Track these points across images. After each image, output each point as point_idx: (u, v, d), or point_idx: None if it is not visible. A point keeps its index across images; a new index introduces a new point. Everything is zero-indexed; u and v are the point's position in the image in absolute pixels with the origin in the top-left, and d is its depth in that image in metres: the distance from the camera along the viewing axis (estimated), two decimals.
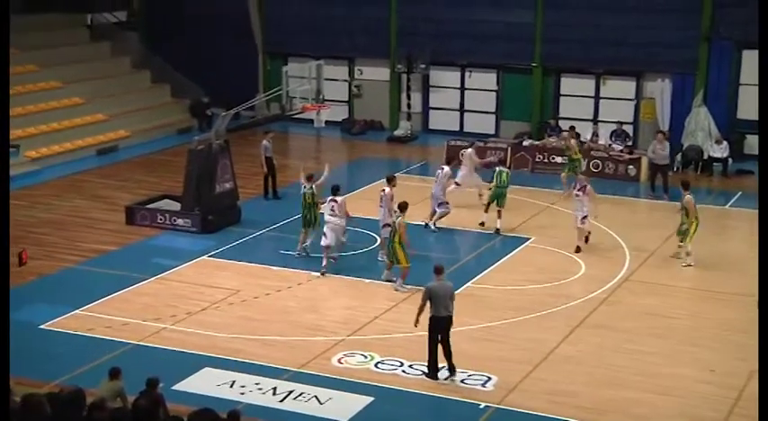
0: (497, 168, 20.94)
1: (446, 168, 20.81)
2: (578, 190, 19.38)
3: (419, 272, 16.52)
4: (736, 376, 13.83)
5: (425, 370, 13.85)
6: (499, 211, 20.48)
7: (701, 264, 18.64)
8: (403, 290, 16.88)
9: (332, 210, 18.07)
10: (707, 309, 16.72)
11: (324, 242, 17.97)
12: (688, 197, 18.61)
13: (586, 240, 19.44)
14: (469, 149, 22.72)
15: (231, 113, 21.34)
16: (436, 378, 13.70)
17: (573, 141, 24.17)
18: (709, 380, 13.81)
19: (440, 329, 13.58)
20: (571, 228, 19.58)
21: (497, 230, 20.39)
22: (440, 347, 13.70)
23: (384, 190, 18.39)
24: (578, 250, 19.10)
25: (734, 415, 12.79)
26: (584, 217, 19.19)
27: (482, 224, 20.65)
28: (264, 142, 23.23)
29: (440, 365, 13.77)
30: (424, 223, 20.42)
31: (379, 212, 18.41)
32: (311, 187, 18.73)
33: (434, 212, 20.54)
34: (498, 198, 20.46)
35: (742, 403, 13.10)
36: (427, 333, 13.71)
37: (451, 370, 13.76)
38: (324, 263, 17.87)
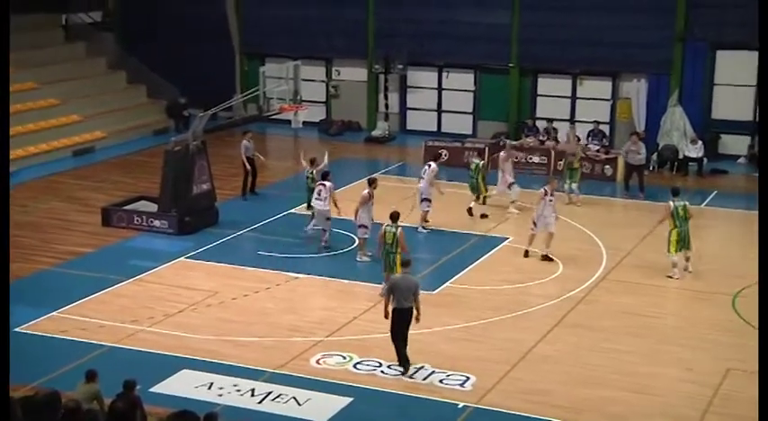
0: (473, 160, 22.09)
1: (433, 164, 20.88)
2: (551, 194, 19.17)
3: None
4: (713, 374, 13.93)
5: (402, 370, 13.88)
6: (477, 198, 21.62)
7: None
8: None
9: (318, 193, 19.10)
10: (684, 308, 16.84)
11: (309, 226, 19.50)
12: (667, 203, 18.13)
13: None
14: (502, 153, 22.64)
15: (208, 114, 21.28)
16: (408, 370, 13.87)
17: (579, 149, 24.15)
18: (685, 379, 13.90)
19: (401, 321, 13.80)
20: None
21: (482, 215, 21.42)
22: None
23: (365, 191, 18.51)
24: (546, 258, 18.83)
25: (710, 413, 12.88)
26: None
27: (484, 215, 21.66)
28: (244, 142, 23.23)
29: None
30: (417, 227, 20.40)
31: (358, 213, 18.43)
32: (311, 171, 20.60)
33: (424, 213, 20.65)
34: (472, 188, 21.67)
35: (717, 401, 13.20)
36: (390, 326, 13.95)
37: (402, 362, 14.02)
38: (323, 237, 19.08)
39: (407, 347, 13.98)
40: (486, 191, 22.02)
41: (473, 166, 21.78)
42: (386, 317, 13.94)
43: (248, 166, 23.11)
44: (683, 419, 12.64)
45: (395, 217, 16.67)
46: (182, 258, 18.90)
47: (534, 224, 18.92)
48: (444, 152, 25.67)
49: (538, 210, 18.96)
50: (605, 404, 13.09)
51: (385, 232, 16.46)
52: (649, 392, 13.49)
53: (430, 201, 20.60)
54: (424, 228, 20.49)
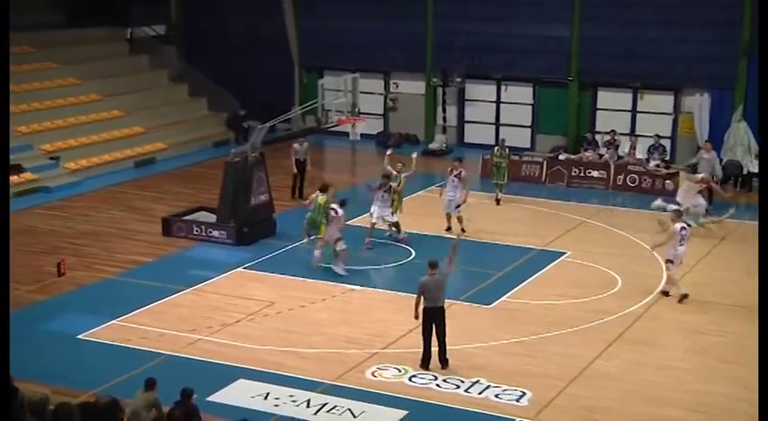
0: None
1: (463, 172, 21.12)
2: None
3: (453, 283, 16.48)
4: None
5: (457, 382, 13.84)
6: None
7: (740, 279, 18.39)
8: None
9: (329, 217, 18.86)
10: (742, 326, 16.47)
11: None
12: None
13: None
14: (697, 179, 21.66)
15: (267, 126, 21.48)
16: (428, 368, 14.30)
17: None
18: (742, 398, 13.61)
19: (433, 319, 14.24)
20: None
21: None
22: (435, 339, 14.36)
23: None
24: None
25: None
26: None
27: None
28: (295, 145, 23.82)
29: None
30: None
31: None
32: (398, 176, 20.68)
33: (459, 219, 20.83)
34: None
35: None
36: (421, 325, 14.34)
37: (443, 362, 14.36)
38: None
39: (446, 350, 14.34)
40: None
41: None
42: (416, 318, 14.31)
43: (295, 169, 23.47)
44: None
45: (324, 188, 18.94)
46: (239, 269, 19.08)
47: (671, 261, 17.68)
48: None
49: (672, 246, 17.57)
50: None
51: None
52: (708, 411, 13.25)
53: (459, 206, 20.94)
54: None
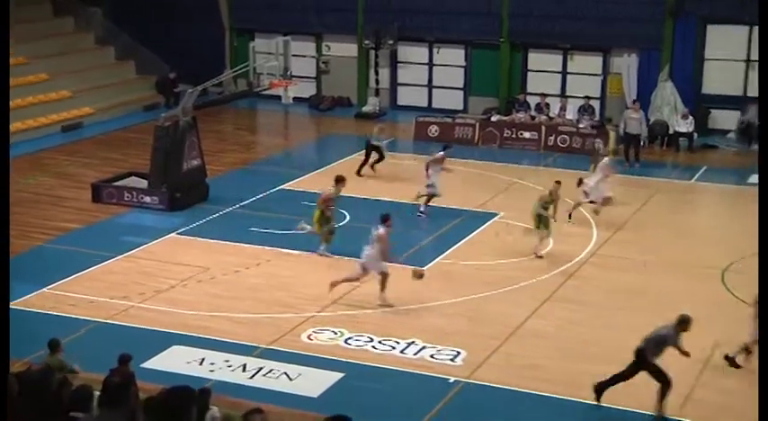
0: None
1: (442, 153, 20.62)
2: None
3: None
4: (702, 348, 14.00)
5: (393, 344, 13.96)
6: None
7: (668, 237, 18.83)
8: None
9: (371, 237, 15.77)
10: (674, 283, 16.89)
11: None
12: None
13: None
14: (606, 159, 21.03)
15: (198, 90, 21.17)
16: None
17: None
18: (675, 353, 13.94)
19: None
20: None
21: None
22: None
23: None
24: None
25: (699, 386, 12.98)
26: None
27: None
28: (375, 129, 23.26)
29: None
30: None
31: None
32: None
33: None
34: None
35: (707, 373, 13.29)
36: None
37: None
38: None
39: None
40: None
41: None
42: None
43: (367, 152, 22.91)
44: (674, 393, 12.70)
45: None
46: (172, 234, 18.88)
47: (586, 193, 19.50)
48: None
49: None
50: (596, 378, 13.14)
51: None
52: None
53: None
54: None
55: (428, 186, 20.12)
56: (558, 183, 18.54)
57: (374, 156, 22.87)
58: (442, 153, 20.51)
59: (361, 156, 23.47)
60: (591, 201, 19.66)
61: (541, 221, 17.89)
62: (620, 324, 14.92)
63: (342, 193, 18.30)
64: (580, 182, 19.89)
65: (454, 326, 14.85)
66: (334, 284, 15.64)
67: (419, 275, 15.72)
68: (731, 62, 27.10)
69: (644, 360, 12.10)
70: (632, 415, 12.30)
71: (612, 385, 12.37)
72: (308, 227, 17.79)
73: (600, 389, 12.47)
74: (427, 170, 20.19)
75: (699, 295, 16.11)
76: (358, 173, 22.47)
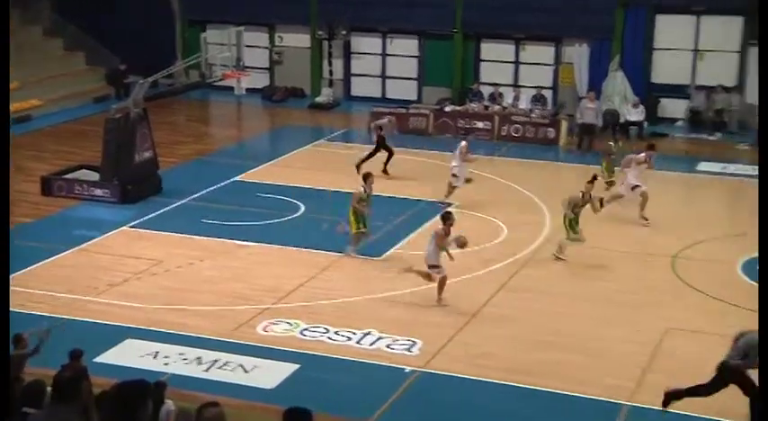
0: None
1: (463, 142, 20.57)
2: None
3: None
4: (655, 334, 14.21)
5: (349, 334, 13.97)
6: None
7: (622, 225, 19.03)
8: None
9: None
10: (625, 270, 17.08)
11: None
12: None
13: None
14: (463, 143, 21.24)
15: (149, 81, 20.95)
16: None
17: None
18: (629, 339, 14.15)
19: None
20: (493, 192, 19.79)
21: None
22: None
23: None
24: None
25: (651, 371, 13.16)
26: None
27: None
28: (385, 121, 22.74)
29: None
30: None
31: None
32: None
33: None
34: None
35: (658, 359, 13.48)
36: None
37: None
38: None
39: None
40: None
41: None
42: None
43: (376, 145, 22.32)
44: (626, 378, 12.88)
45: (366, 176, 17.35)
46: (125, 227, 18.69)
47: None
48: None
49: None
50: (551, 366, 13.28)
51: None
52: (595, 354, 13.68)
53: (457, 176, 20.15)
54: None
55: (453, 175, 19.97)
56: (592, 182, 17.59)
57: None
58: (464, 143, 20.45)
59: (315, 146, 23.41)
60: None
61: (571, 225, 17.06)
62: (575, 312, 15.08)
63: (297, 184, 18.26)
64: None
65: (410, 315, 14.89)
66: (438, 300, 15.21)
67: (462, 244, 15.32)
68: (680, 51, 27.46)
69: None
70: (594, 403, 12.42)
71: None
72: (348, 227, 17.13)
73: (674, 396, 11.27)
74: (457, 162, 19.95)
75: (650, 282, 16.32)
76: (384, 171, 21.84)
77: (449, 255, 15.41)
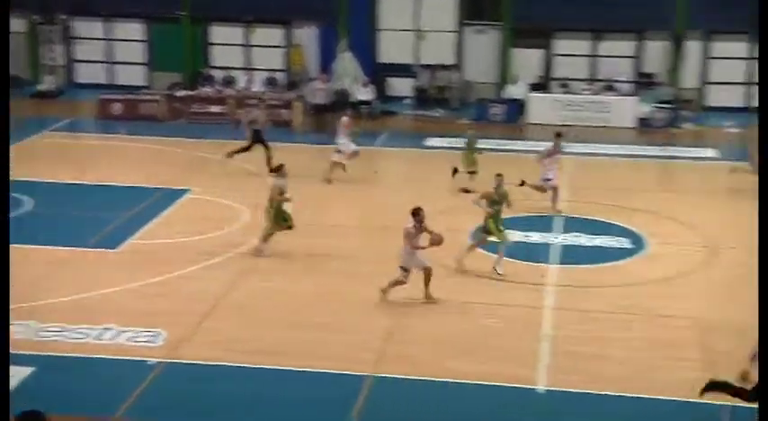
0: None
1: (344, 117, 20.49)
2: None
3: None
4: (396, 307, 14.71)
5: (87, 331, 13.46)
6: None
7: (352, 202, 19.53)
8: None
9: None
10: (357, 244, 17.43)
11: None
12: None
13: None
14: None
15: None
16: None
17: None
18: (368, 313, 14.54)
19: None
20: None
21: None
22: None
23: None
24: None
25: (392, 342, 13.62)
26: None
27: None
28: (257, 111, 21.35)
29: None
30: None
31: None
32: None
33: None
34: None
35: (399, 332, 13.99)
36: None
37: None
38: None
39: None
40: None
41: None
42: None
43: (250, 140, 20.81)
44: (369, 351, 13.27)
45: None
46: None
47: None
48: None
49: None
50: (301, 345, 13.38)
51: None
52: (336, 330, 13.93)
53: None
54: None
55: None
56: (500, 175, 16.12)
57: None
58: (345, 118, 20.16)
59: (41, 137, 22.20)
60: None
61: (495, 224, 15.66)
62: (317, 290, 15.30)
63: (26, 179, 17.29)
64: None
65: (153, 306, 14.52)
66: (384, 291, 14.45)
67: (436, 242, 14.12)
68: (402, 32, 28.57)
69: None
70: (339, 376, 12.67)
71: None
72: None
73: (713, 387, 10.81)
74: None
75: (380, 252, 16.47)
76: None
77: (421, 248, 14.25)
